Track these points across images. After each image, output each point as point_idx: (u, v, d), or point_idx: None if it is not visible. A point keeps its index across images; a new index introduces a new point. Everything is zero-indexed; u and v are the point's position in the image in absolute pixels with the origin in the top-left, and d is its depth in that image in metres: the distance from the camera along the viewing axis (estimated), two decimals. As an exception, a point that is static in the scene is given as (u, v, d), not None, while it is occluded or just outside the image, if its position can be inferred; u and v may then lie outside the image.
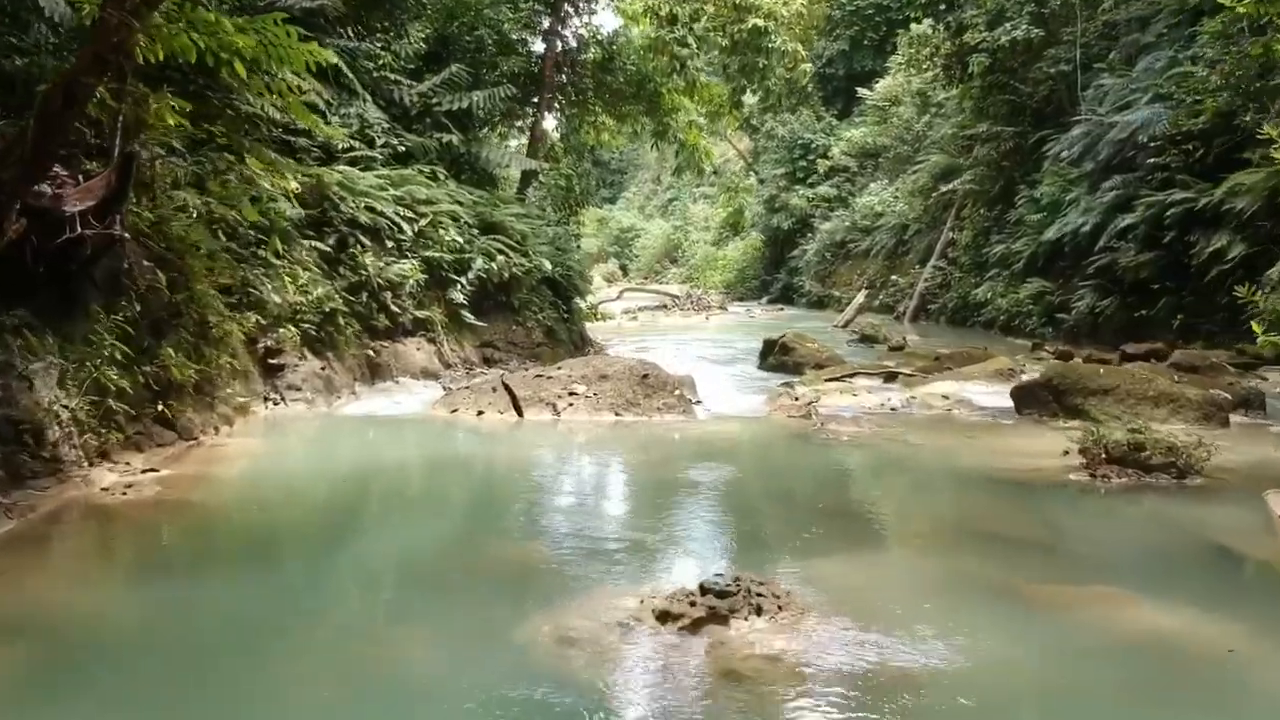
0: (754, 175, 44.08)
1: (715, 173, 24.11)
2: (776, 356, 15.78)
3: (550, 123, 21.10)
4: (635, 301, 34.82)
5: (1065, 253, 19.76)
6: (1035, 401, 9.61)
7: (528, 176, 17.98)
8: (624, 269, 67.63)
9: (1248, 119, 15.45)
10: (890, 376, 14.18)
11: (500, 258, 14.57)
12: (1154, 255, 16.66)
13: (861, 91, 33.82)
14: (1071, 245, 19.34)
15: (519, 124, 20.99)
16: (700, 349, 19.90)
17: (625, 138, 23.03)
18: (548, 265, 15.47)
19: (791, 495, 7.21)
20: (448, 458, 8.50)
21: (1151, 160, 16.99)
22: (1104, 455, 7.15)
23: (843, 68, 38.29)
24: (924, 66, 26.92)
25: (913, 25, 28.34)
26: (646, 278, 61.05)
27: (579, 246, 20.63)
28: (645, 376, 9.70)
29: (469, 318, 13.97)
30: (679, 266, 58.10)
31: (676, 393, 9.61)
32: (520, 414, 9.60)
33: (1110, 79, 19.58)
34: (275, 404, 9.95)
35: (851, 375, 14.22)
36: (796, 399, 10.31)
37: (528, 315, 15.78)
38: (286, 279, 11.02)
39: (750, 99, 40.70)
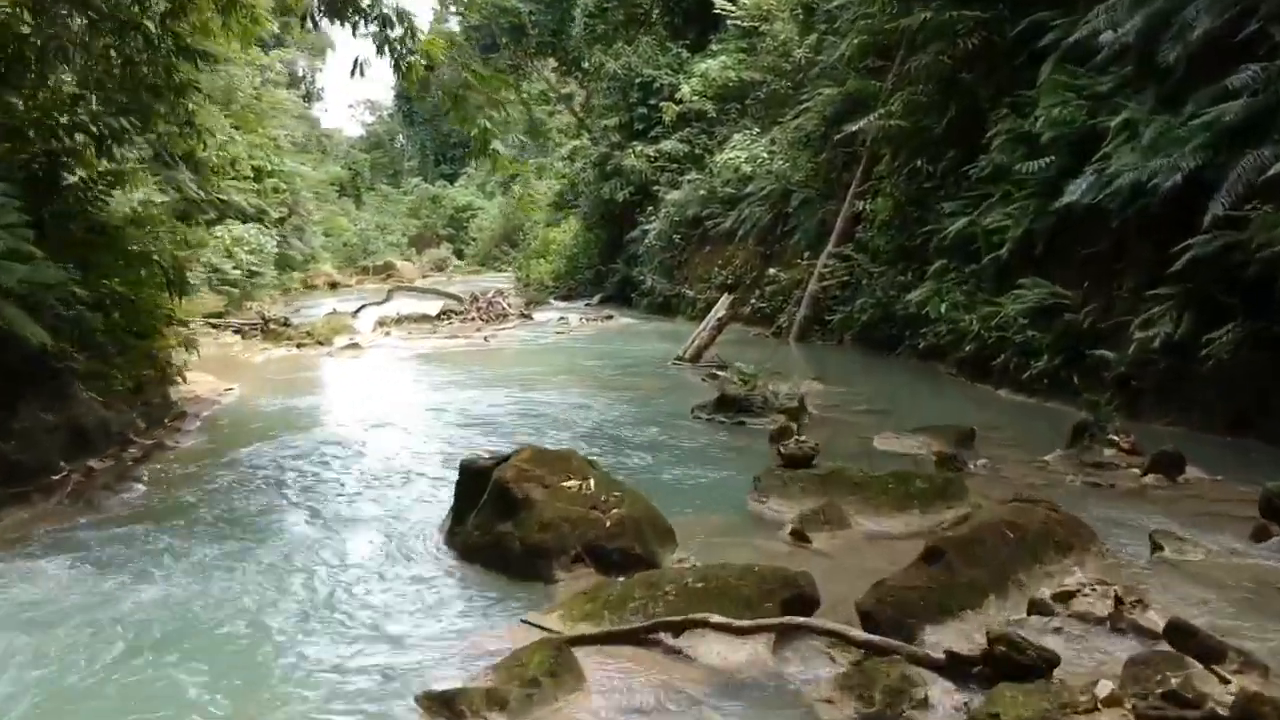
0: (585, 134, 34.03)
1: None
2: (489, 526, 5.83)
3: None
4: (409, 304, 24.83)
5: (1107, 231, 10.31)
6: None
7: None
8: (459, 253, 60.22)
9: None
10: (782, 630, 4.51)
11: None
12: (1363, 237, 7.31)
13: (721, 4, 24.02)
14: (1122, 216, 9.89)
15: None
16: (388, 443, 9.60)
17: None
18: None
19: None
20: None
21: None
22: None
23: (696, -15, 28.43)
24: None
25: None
26: (484, 264, 53.42)
27: (112, 217, 9.73)
28: None
29: None
30: (520, 251, 49.13)
31: None
32: None
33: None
34: None
35: (683, 626, 4.45)
36: None
37: None
38: None
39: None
